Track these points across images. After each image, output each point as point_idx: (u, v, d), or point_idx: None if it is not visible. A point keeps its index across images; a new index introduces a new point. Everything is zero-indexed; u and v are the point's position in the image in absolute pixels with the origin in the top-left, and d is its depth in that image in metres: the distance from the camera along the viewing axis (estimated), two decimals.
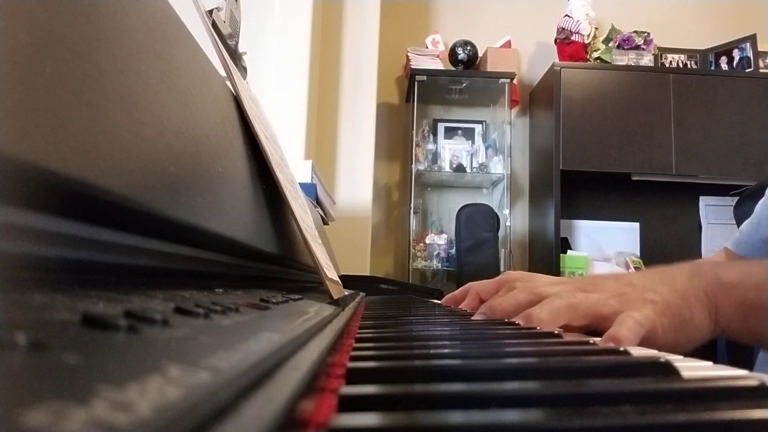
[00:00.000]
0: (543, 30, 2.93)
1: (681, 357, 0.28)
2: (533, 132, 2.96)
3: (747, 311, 0.47)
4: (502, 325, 0.45)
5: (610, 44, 2.72)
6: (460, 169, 2.79)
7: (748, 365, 0.66)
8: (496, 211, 2.68)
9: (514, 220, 2.87)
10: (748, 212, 0.87)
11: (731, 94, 2.59)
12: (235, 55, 0.54)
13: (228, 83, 0.46)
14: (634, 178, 2.61)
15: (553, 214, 2.53)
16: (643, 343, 0.41)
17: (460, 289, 0.71)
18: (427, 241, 2.75)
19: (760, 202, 0.83)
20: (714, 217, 2.76)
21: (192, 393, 0.10)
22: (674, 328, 0.45)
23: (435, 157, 2.83)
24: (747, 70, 2.73)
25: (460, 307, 0.69)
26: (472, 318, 0.51)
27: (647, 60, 2.73)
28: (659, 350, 0.42)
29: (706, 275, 0.49)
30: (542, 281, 0.58)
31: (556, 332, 0.37)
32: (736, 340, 0.50)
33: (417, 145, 2.77)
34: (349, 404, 0.17)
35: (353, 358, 0.24)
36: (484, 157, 2.81)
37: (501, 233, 2.66)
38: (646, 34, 2.73)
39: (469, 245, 2.57)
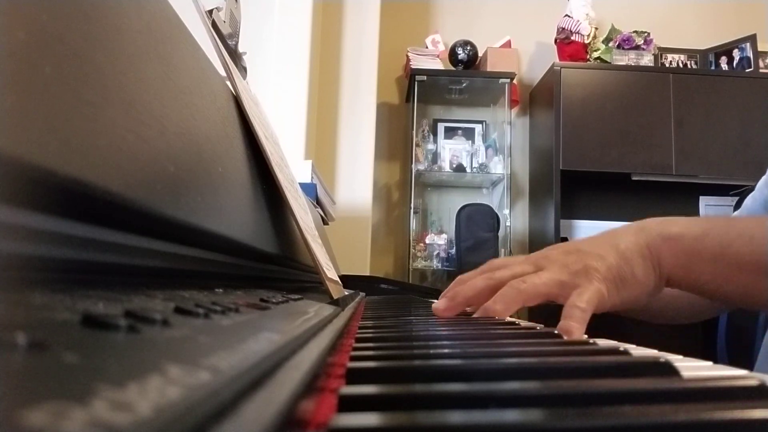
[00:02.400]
0: (543, 30, 2.92)
1: (681, 357, 0.28)
2: (533, 132, 2.96)
3: (688, 260, 0.52)
4: (501, 324, 0.45)
5: (610, 44, 2.72)
6: (460, 169, 2.79)
7: (748, 365, 0.66)
8: (496, 211, 2.68)
9: (514, 220, 2.87)
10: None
11: (731, 94, 2.59)
12: (235, 55, 0.54)
13: (228, 83, 0.46)
14: (634, 178, 2.60)
15: (553, 214, 2.53)
16: (594, 310, 0.47)
17: (450, 286, 0.73)
18: (427, 241, 2.75)
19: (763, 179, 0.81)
20: None
21: (192, 393, 0.10)
22: (617, 288, 0.50)
23: (435, 157, 2.83)
24: (747, 70, 2.73)
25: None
26: (432, 307, 0.54)
27: (647, 60, 2.73)
28: (609, 310, 0.50)
29: (650, 230, 0.53)
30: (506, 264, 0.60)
31: (555, 332, 0.37)
32: (681, 289, 0.54)
33: (417, 145, 2.77)
34: (349, 404, 0.17)
35: (353, 358, 0.24)
36: (484, 157, 2.81)
37: (501, 233, 2.66)
38: (646, 34, 2.73)
39: (469, 245, 2.57)
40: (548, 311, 0.57)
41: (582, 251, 0.52)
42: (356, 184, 2.29)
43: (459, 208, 2.69)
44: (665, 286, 0.54)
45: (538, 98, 2.91)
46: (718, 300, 0.57)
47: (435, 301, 0.96)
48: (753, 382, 0.19)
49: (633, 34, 2.72)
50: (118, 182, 0.19)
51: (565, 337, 0.36)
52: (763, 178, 0.81)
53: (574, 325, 0.44)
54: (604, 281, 0.49)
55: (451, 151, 2.84)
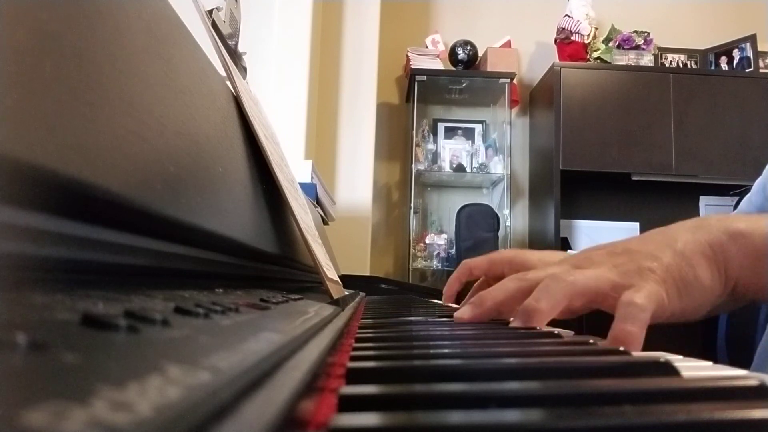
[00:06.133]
0: (543, 30, 2.93)
1: (681, 357, 0.28)
2: (533, 132, 2.96)
3: (758, 263, 0.43)
4: (501, 325, 0.45)
5: (610, 44, 2.72)
6: (460, 169, 2.80)
7: (748, 365, 0.65)
8: (496, 211, 2.68)
9: (514, 220, 2.87)
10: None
11: (731, 94, 2.59)
12: (235, 55, 0.54)
13: (228, 83, 0.46)
14: (634, 178, 2.61)
15: (553, 214, 2.53)
16: (651, 318, 0.38)
17: (456, 270, 0.74)
18: (427, 241, 2.75)
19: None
20: None
21: (192, 393, 0.10)
22: (679, 294, 0.42)
23: (435, 157, 2.83)
24: (747, 70, 2.73)
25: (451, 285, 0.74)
26: (456, 313, 0.46)
27: (647, 60, 2.73)
28: (667, 320, 0.42)
29: (711, 228, 0.45)
30: (532, 260, 0.57)
31: (555, 332, 0.37)
32: (747, 294, 0.46)
33: (417, 145, 2.77)
34: (349, 404, 0.17)
35: (353, 358, 0.24)
36: (484, 157, 2.81)
37: (501, 233, 2.66)
38: (646, 34, 2.73)
39: (469, 245, 2.57)
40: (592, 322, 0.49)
41: (631, 251, 0.44)
42: (356, 184, 2.29)
43: (459, 208, 2.69)
44: (729, 294, 0.45)
45: (538, 98, 2.91)
46: None
47: (437, 300, 0.96)
48: (753, 382, 0.19)
49: (633, 34, 2.72)
50: (118, 182, 0.19)
51: (622, 348, 0.29)
52: (759, 180, 0.80)
53: (632, 331, 0.36)
54: (662, 283, 0.41)
55: (451, 151, 2.85)
